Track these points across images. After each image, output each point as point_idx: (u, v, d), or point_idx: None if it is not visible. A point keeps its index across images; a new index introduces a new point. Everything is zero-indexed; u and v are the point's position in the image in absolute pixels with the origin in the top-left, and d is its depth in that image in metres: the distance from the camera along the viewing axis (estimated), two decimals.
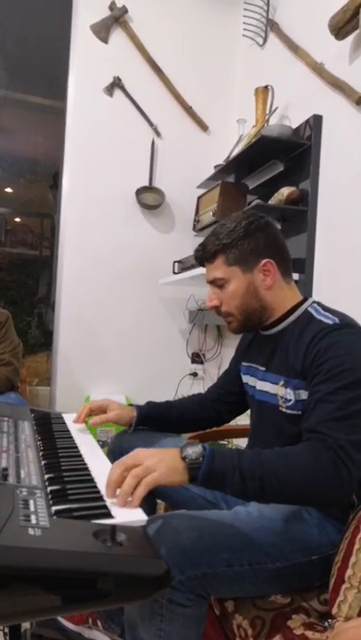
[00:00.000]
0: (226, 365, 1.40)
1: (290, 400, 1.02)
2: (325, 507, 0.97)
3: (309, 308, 1.07)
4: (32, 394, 3.14)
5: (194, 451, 0.81)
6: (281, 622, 0.89)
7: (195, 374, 2.75)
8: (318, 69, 1.90)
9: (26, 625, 1.27)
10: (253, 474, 0.81)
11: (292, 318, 1.09)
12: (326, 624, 0.89)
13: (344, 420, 0.87)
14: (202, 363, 2.74)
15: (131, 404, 1.30)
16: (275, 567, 0.92)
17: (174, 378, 2.70)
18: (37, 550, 0.58)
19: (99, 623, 1.22)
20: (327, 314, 1.02)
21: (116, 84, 2.56)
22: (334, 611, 0.85)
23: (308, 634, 0.85)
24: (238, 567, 0.89)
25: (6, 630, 1.10)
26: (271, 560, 0.92)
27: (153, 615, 0.85)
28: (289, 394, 1.03)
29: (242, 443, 1.83)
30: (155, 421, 1.28)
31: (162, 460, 0.79)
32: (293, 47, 2.10)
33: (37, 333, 5.27)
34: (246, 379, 1.23)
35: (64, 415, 1.29)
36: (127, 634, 1.00)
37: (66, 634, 1.25)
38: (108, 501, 0.75)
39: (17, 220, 5.88)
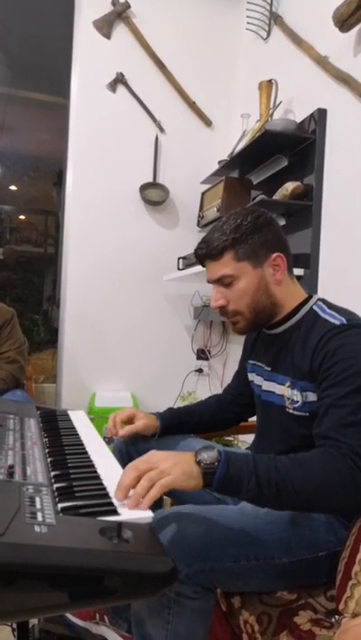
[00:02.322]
0: (232, 362, 1.40)
1: (297, 402, 1.02)
2: (341, 514, 0.95)
3: (315, 307, 1.05)
4: (38, 391, 3.16)
5: (209, 455, 0.79)
6: (288, 618, 0.88)
7: (200, 370, 2.75)
8: (323, 63, 1.89)
9: (34, 621, 1.28)
10: (270, 480, 0.79)
11: (297, 317, 1.07)
12: (333, 620, 0.89)
13: (356, 424, 0.86)
14: (207, 359, 2.74)
15: (152, 413, 1.28)
16: (281, 563, 0.92)
17: (180, 374, 2.70)
18: (44, 547, 0.58)
19: (106, 619, 1.22)
20: (333, 312, 1.00)
21: (119, 80, 2.55)
22: (341, 607, 0.84)
23: (316, 630, 0.84)
24: (245, 562, 0.89)
25: (14, 626, 1.10)
26: (278, 555, 0.92)
27: (161, 608, 0.85)
28: (296, 395, 1.02)
29: (248, 439, 1.83)
30: (176, 428, 1.27)
31: (177, 464, 0.78)
32: (297, 40, 2.08)
33: (43, 331, 5.28)
34: (252, 377, 1.23)
35: (70, 412, 1.29)
36: (134, 629, 1.00)
37: (73, 629, 1.26)
38: (116, 500, 0.75)
39: (21, 217, 5.89)
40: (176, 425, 1.27)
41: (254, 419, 1.29)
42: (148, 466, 0.78)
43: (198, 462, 0.79)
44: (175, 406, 1.36)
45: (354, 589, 0.83)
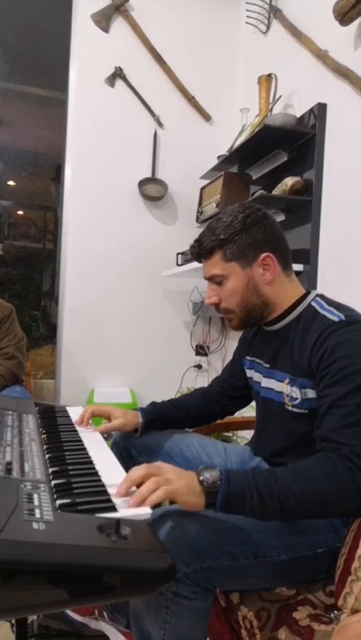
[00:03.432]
0: (230, 357, 1.39)
1: (296, 399, 1.01)
2: (346, 516, 0.95)
3: (313, 303, 1.04)
4: (37, 387, 3.16)
5: (211, 475, 0.80)
6: (287, 614, 0.88)
7: (199, 366, 2.75)
8: (322, 56, 1.88)
9: (33, 616, 1.28)
10: (271, 493, 0.79)
11: (295, 314, 1.06)
12: (332, 615, 0.89)
13: (357, 425, 0.85)
14: (206, 355, 2.74)
15: (134, 409, 1.27)
16: (280, 560, 0.91)
17: (179, 370, 2.70)
18: (42, 545, 0.58)
19: (105, 614, 1.22)
20: (332, 309, 0.99)
21: (117, 75, 2.54)
22: (340, 603, 0.84)
23: (314, 625, 0.84)
24: (244, 560, 0.89)
25: (13, 622, 1.10)
26: (276, 553, 0.91)
27: (158, 608, 0.85)
28: (295, 392, 1.01)
29: (247, 435, 1.83)
30: (161, 423, 1.26)
31: (181, 478, 0.79)
32: (297, 34, 2.07)
33: (42, 327, 5.28)
34: (251, 373, 1.22)
35: (68, 408, 1.29)
36: (133, 626, 1.00)
37: (72, 625, 1.26)
38: (114, 496, 0.75)
39: (20, 213, 5.87)
40: (160, 419, 1.26)
41: (253, 414, 1.29)
42: (157, 471, 0.79)
43: (201, 482, 0.80)
44: None
45: (353, 585, 0.83)
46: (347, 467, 0.81)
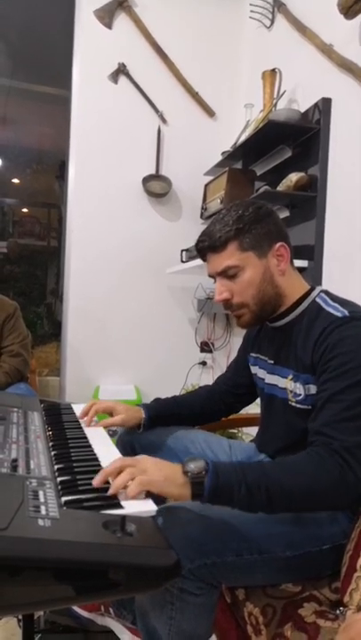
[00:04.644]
0: (235, 354, 1.38)
1: (299, 395, 1.01)
2: (334, 511, 0.95)
3: (317, 299, 1.04)
4: (42, 384, 3.17)
5: (196, 465, 0.80)
6: (292, 610, 0.88)
7: (204, 363, 2.75)
8: (327, 51, 1.86)
9: (39, 612, 1.29)
10: (260, 486, 0.79)
11: (300, 309, 1.05)
12: (338, 612, 0.89)
13: (353, 420, 0.85)
14: (211, 352, 2.73)
15: (138, 404, 1.27)
16: (285, 556, 0.91)
17: (183, 367, 2.70)
18: (47, 541, 0.58)
19: (111, 610, 1.23)
20: (336, 305, 0.99)
21: (120, 71, 2.53)
22: (346, 599, 0.84)
23: (320, 622, 0.84)
24: (248, 556, 0.89)
25: (20, 617, 1.11)
26: (281, 549, 0.91)
27: (164, 604, 0.85)
28: (298, 388, 1.01)
29: (252, 431, 1.83)
30: (164, 420, 1.26)
31: (160, 469, 0.80)
32: (301, 28, 2.05)
33: (47, 324, 5.29)
34: (255, 370, 1.22)
35: (73, 405, 1.29)
36: (139, 622, 1.00)
37: (79, 621, 1.27)
38: (118, 492, 0.75)
39: (24, 210, 5.88)
40: (164, 416, 1.26)
41: (257, 410, 1.29)
42: (133, 462, 0.80)
43: (185, 472, 0.79)
44: None
45: (359, 582, 0.83)
46: (336, 462, 0.82)
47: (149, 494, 0.77)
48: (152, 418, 1.24)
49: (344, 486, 0.81)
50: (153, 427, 1.25)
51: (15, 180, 5.46)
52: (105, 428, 1.16)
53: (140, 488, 0.76)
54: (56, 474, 0.79)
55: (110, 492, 0.74)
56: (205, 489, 0.78)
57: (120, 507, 0.70)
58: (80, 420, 1.15)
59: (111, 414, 1.22)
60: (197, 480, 0.78)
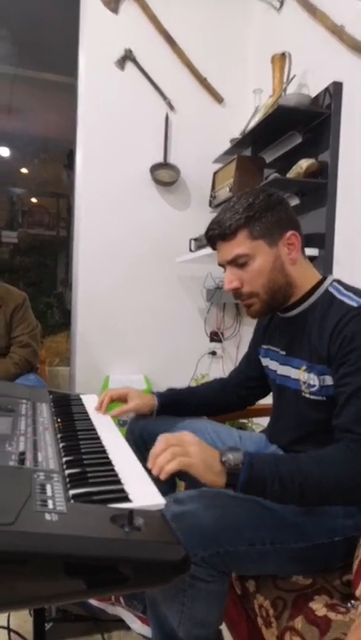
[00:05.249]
0: (245, 344, 1.37)
1: (314, 385, 0.99)
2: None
3: (330, 288, 1.02)
4: (52, 374, 3.18)
5: (235, 457, 0.81)
6: (303, 603, 0.88)
7: (213, 353, 2.73)
8: (338, 32, 1.81)
9: None
10: (293, 480, 0.81)
11: (312, 299, 1.03)
12: (349, 605, 0.88)
13: None
14: (220, 341, 2.72)
15: (152, 392, 1.28)
16: (297, 547, 0.91)
17: (193, 357, 2.69)
18: (54, 536, 0.57)
19: (122, 600, 1.23)
20: (350, 294, 0.97)
21: (127, 57, 2.49)
22: (358, 593, 0.83)
23: (331, 615, 0.84)
24: (260, 546, 0.89)
25: None
26: (293, 540, 0.91)
27: (175, 591, 0.85)
28: (313, 379, 0.99)
29: (263, 422, 1.82)
30: (176, 408, 1.27)
31: (202, 453, 0.81)
32: (312, 10, 2.00)
33: (57, 313, 5.31)
34: (266, 362, 1.20)
35: (82, 396, 1.29)
36: (149, 611, 1.01)
37: (90, 610, 1.28)
38: (126, 484, 0.74)
39: (33, 200, 5.88)
40: (176, 404, 1.27)
41: (270, 401, 1.28)
42: (177, 442, 0.81)
43: (223, 462, 0.81)
44: None
45: None
46: None
47: (178, 473, 0.80)
48: (164, 405, 1.25)
49: None
50: (165, 414, 1.25)
51: (24, 170, 5.45)
52: (119, 416, 1.18)
53: (179, 467, 0.78)
54: (64, 466, 0.78)
55: (153, 470, 0.77)
56: (239, 482, 0.80)
57: (128, 500, 0.70)
58: (88, 412, 1.15)
59: (125, 401, 1.23)
60: (233, 472, 0.80)
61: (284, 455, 0.85)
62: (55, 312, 5.32)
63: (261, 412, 1.58)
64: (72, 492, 0.69)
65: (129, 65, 2.51)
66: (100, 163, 2.52)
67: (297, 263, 1.03)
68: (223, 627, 1.02)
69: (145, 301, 2.64)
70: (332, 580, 0.95)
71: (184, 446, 0.80)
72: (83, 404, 1.21)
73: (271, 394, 1.25)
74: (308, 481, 0.81)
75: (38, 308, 5.09)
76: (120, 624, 1.26)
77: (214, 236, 1.05)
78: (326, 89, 1.85)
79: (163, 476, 0.76)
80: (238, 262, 1.02)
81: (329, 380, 0.96)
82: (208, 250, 2.13)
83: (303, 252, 1.07)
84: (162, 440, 0.82)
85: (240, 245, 1.01)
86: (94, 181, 2.53)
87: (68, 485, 0.71)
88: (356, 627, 0.47)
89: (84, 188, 2.53)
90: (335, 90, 1.81)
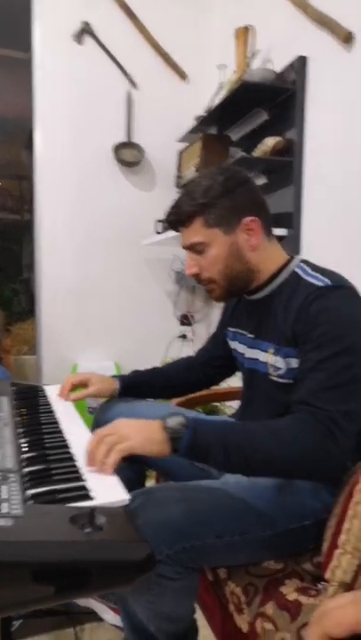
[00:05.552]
0: (215, 327, 1.35)
1: (280, 368, 0.97)
2: (314, 480, 0.94)
3: (296, 269, 1.00)
4: (18, 363, 3.10)
5: (175, 421, 0.80)
6: (274, 588, 0.87)
7: (184, 336, 2.71)
8: (303, 5, 1.76)
9: None
10: (238, 448, 0.79)
11: (278, 281, 1.01)
12: (320, 586, 0.88)
13: (335, 389, 0.83)
14: (190, 325, 2.69)
15: (115, 376, 1.26)
16: (267, 535, 0.90)
17: (163, 341, 2.66)
18: (8, 543, 0.53)
19: None
20: (316, 274, 0.95)
21: (85, 31, 2.38)
22: (328, 576, 0.83)
23: (302, 599, 0.83)
24: (229, 538, 0.87)
25: None
26: (262, 529, 0.89)
27: (142, 590, 0.83)
28: (279, 362, 0.97)
29: (234, 405, 1.81)
30: (139, 390, 1.25)
31: (139, 431, 0.79)
32: None
33: (24, 300, 5.17)
34: (234, 345, 1.18)
35: (45, 387, 1.24)
36: (119, 606, 0.99)
37: (60, 604, 1.25)
38: (88, 480, 0.71)
39: None
40: (139, 386, 1.25)
41: (240, 384, 1.26)
42: (110, 431, 0.79)
43: (165, 428, 0.79)
44: None
45: (341, 558, 0.81)
46: (320, 431, 0.80)
47: (134, 455, 0.78)
48: (127, 388, 1.23)
49: (326, 456, 0.80)
50: (127, 396, 1.23)
51: None
52: (78, 400, 1.16)
53: (120, 455, 0.76)
54: (22, 465, 0.74)
55: (88, 467, 0.74)
56: (182, 445, 0.78)
57: (90, 498, 0.66)
58: (51, 404, 1.11)
59: (86, 386, 1.20)
60: (176, 436, 0.79)
61: (236, 424, 0.85)
62: (22, 299, 5.18)
63: (233, 396, 1.57)
64: (30, 492, 0.65)
65: (87, 39, 2.40)
66: (59, 142, 2.42)
67: (258, 248, 1.00)
68: (199, 613, 1.01)
69: (112, 285, 2.58)
70: (303, 562, 0.95)
71: (118, 432, 0.79)
72: (45, 396, 1.17)
73: (240, 376, 1.23)
74: (256, 455, 0.79)
75: (4, 295, 4.94)
76: (92, 616, 1.24)
77: (172, 222, 1.04)
78: (291, 64, 1.81)
79: (108, 472, 0.74)
80: (196, 249, 1.01)
81: (294, 363, 0.94)
82: (174, 232, 2.08)
83: (269, 234, 1.04)
84: (94, 435, 0.80)
85: (196, 234, 0.99)
86: (55, 162, 2.43)
87: (26, 485, 0.67)
88: (316, 618, 0.45)
89: (43, 170, 2.44)
90: (300, 65, 1.77)
